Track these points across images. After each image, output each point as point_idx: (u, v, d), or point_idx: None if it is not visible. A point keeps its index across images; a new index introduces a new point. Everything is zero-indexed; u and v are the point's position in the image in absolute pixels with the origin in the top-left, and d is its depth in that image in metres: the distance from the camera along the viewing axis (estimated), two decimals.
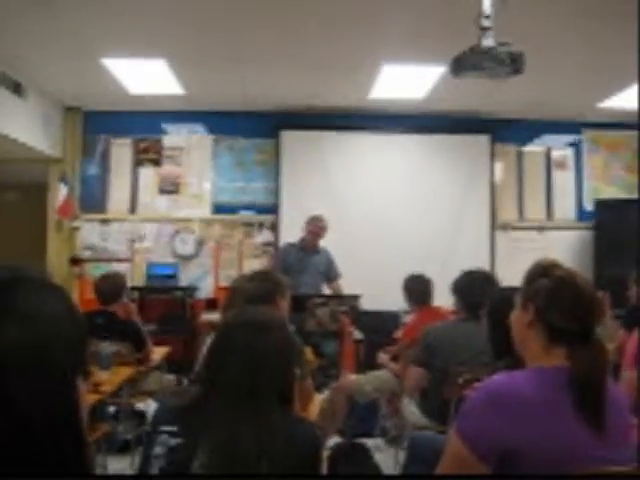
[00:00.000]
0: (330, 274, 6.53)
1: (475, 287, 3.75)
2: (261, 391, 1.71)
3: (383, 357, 4.93)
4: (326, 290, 6.51)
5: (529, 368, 1.75)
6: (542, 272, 1.82)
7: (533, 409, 1.60)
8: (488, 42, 3.34)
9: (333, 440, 4.50)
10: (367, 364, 5.63)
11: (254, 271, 4.32)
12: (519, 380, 1.67)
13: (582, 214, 7.86)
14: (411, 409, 3.99)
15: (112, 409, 4.54)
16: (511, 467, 1.59)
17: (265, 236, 7.65)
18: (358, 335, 6.20)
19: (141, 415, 4.88)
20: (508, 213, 7.82)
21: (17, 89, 6.16)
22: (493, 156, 7.71)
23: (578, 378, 1.63)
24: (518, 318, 1.85)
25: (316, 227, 6.40)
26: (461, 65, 3.36)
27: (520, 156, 7.90)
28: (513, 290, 2.91)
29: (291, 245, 6.53)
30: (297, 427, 1.77)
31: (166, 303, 7.33)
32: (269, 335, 1.81)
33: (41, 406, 0.79)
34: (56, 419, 0.81)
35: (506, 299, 2.86)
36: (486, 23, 3.35)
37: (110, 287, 4.71)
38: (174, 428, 1.72)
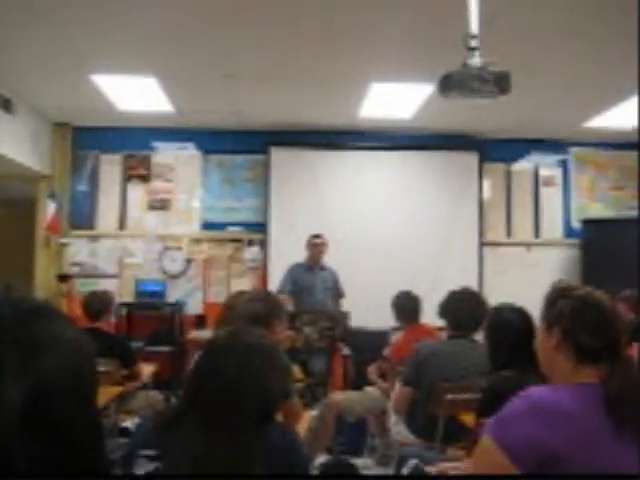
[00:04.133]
0: (335, 292, 6.65)
1: (462, 306, 3.79)
2: (239, 412, 1.71)
3: (372, 372, 4.93)
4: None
5: (565, 384, 1.74)
6: (561, 294, 1.84)
7: (574, 420, 1.60)
8: (475, 62, 3.37)
9: (321, 458, 4.48)
10: (355, 382, 5.62)
11: (253, 291, 4.29)
12: (559, 392, 1.68)
13: (569, 232, 7.90)
14: (399, 427, 3.99)
15: None
16: (548, 475, 1.60)
17: (254, 253, 7.64)
18: (346, 352, 6.20)
19: (128, 434, 4.84)
20: (496, 230, 7.86)
21: (6, 105, 6.15)
22: (481, 174, 7.75)
23: (613, 396, 1.64)
24: (543, 342, 1.85)
25: (314, 245, 6.55)
26: (448, 84, 3.38)
27: (508, 174, 7.95)
28: (507, 307, 3.03)
29: (298, 265, 6.58)
30: (270, 435, 1.77)
31: (154, 320, 7.30)
32: (258, 360, 1.81)
33: (78, 429, 0.84)
34: (91, 441, 0.86)
35: (501, 316, 2.98)
36: (473, 43, 3.38)
37: (98, 304, 4.71)
38: (152, 452, 1.71)
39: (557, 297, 1.84)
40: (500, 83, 3.34)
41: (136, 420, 4.63)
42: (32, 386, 0.79)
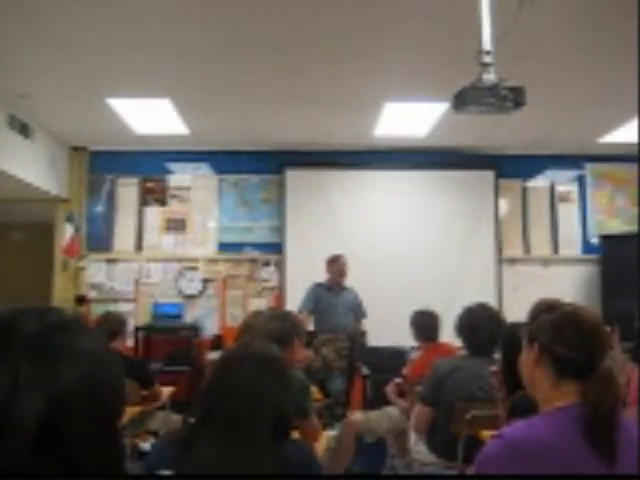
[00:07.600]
0: (357, 312, 6.56)
1: (477, 324, 3.73)
2: (256, 426, 1.69)
3: (390, 391, 4.87)
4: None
5: (544, 412, 1.72)
6: (545, 309, 1.81)
7: (551, 457, 1.57)
8: (489, 77, 3.36)
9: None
10: (374, 401, 5.57)
11: (272, 310, 4.26)
12: (537, 427, 1.63)
13: (588, 248, 7.84)
14: (419, 447, 3.94)
15: None
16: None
17: (270, 274, 7.64)
18: (365, 372, 6.16)
19: (146, 455, 4.82)
20: (513, 248, 7.81)
21: (24, 130, 6.22)
22: (497, 191, 7.73)
23: (589, 412, 1.60)
24: (525, 358, 1.84)
25: (335, 267, 6.46)
26: (462, 101, 3.37)
27: (524, 191, 7.92)
28: (523, 325, 2.94)
29: (319, 285, 6.52)
30: (286, 451, 1.75)
31: (171, 342, 7.30)
32: (270, 371, 1.80)
33: (92, 451, 0.80)
34: (105, 465, 0.83)
35: (517, 335, 2.88)
36: (487, 59, 3.38)
37: (111, 324, 4.69)
38: (169, 471, 1.69)
39: (540, 312, 1.82)
40: (515, 98, 3.33)
41: (153, 440, 4.62)
42: (49, 399, 0.76)
